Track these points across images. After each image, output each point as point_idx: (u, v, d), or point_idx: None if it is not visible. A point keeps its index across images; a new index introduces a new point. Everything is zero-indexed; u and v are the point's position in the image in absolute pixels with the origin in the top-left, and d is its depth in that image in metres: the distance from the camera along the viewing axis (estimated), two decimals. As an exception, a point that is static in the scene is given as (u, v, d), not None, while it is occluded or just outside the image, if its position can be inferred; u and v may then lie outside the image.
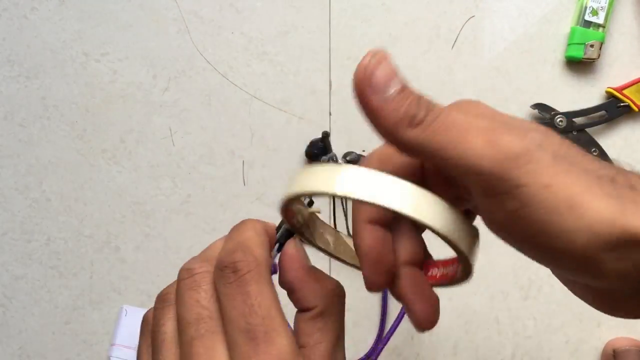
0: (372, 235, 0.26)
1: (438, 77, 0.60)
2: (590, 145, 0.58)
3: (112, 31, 0.59)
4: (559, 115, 0.58)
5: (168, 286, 0.27)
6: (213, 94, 0.59)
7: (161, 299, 0.26)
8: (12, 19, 0.59)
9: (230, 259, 0.24)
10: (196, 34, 0.59)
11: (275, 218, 0.29)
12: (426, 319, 0.27)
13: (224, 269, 0.24)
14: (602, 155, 0.58)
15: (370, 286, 0.27)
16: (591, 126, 0.59)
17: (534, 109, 0.59)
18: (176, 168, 0.58)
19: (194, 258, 0.27)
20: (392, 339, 0.58)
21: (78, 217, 0.59)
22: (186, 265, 0.26)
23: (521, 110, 0.59)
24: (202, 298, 0.24)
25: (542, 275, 0.59)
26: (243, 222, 0.27)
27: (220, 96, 0.59)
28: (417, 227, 0.28)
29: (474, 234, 0.25)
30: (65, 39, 0.59)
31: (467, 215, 0.25)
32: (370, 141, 0.59)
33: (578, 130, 0.58)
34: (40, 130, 0.59)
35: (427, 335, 0.59)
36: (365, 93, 0.23)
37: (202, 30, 0.59)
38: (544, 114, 0.58)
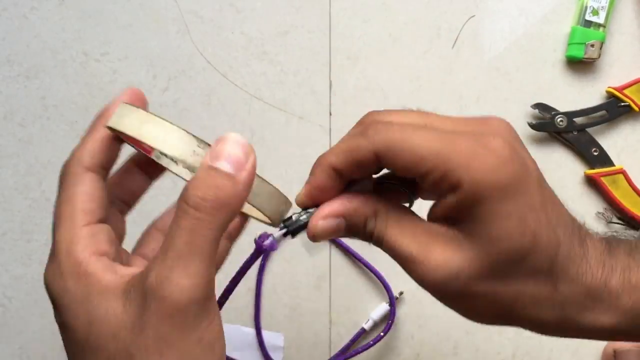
0: (329, 179, 0.30)
1: (438, 77, 0.59)
2: (591, 145, 0.58)
3: (112, 31, 0.59)
4: (559, 115, 0.58)
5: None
6: (213, 94, 0.59)
7: None
8: (12, 18, 0.59)
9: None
10: (196, 34, 0.59)
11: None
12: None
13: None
14: (603, 155, 0.58)
15: (300, 200, 0.32)
16: (592, 126, 0.59)
17: (534, 108, 0.59)
18: (176, 168, 0.58)
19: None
20: (391, 338, 0.58)
21: (78, 217, 0.59)
22: None
23: (521, 110, 0.59)
24: None
25: (542, 275, 0.59)
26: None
27: (220, 96, 0.59)
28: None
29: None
30: (65, 39, 0.59)
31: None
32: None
33: (578, 130, 0.58)
34: (40, 130, 0.59)
35: (427, 335, 0.59)
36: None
37: (202, 30, 0.59)
38: (544, 114, 0.58)
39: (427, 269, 0.29)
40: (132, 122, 0.28)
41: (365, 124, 0.30)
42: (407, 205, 0.33)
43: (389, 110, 0.31)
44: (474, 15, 0.59)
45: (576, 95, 0.60)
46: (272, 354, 0.58)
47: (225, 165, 0.28)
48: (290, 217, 0.31)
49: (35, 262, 0.58)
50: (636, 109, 0.58)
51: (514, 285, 0.29)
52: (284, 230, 0.31)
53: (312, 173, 0.31)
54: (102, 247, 0.29)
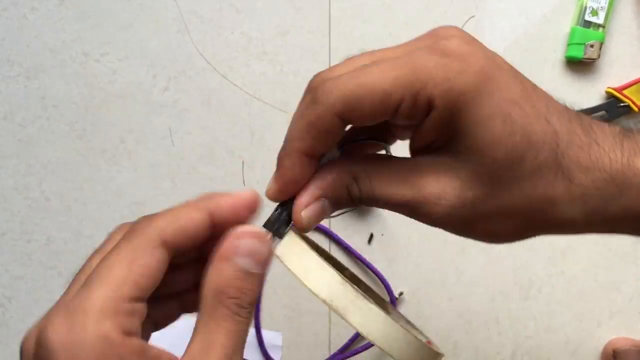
0: (299, 167, 0.28)
1: (438, 77, 0.59)
2: (590, 145, 0.58)
3: (112, 31, 0.59)
4: (559, 115, 0.58)
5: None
6: (213, 94, 0.59)
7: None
8: (12, 18, 0.59)
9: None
10: (196, 34, 0.59)
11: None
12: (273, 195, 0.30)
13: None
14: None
15: (274, 196, 0.30)
16: (591, 126, 0.59)
17: (534, 109, 0.59)
18: (176, 168, 0.58)
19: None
20: (392, 339, 0.59)
21: (78, 217, 0.59)
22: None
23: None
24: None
25: (542, 275, 0.59)
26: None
27: (220, 96, 0.59)
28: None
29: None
30: (65, 39, 0.59)
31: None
32: (370, 141, 0.59)
33: (578, 130, 0.58)
34: (40, 130, 0.59)
35: (427, 335, 0.59)
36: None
37: (202, 30, 0.59)
38: (544, 114, 0.58)
39: (430, 208, 0.27)
40: (299, 263, 0.28)
41: (313, 88, 0.28)
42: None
43: (332, 66, 0.29)
44: (473, 16, 0.59)
45: (576, 96, 0.60)
46: (271, 353, 0.58)
47: None
48: (269, 218, 0.29)
49: (35, 263, 0.58)
50: (635, 109, 0.58)
51: (523, 190, 0.27)
52: (269, 235, 0.29)
53: (280, 166, 0.29)
54: (134, 327, 0.25)
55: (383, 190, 0.28)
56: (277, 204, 0.30)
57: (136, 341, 0.24)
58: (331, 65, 0.59)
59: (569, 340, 0.59)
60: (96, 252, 0.28)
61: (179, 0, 0.59)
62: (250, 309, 0.26)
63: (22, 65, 0.59)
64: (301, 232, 0.29)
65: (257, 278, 0.26)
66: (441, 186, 0.27)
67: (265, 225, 0.29)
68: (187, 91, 0.59)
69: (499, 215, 0.27)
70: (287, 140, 0.28)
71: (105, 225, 0.57)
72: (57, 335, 0.23)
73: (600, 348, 0.59)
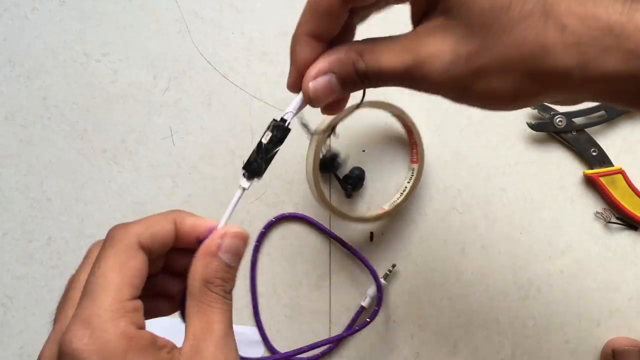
0: (308, 48, 0.31)
1: (438, 78, 0.60)
2: (590, 146, 0.59)
3: (113, 31, 0.59)
4: (558, 115, 0.58)
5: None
6: (213, 94, 0.59)
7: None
8: (13, 19, 0.59)
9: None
10: (196, 34, 0.59)
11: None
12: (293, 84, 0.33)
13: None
14: (602, 155, 0.58)
15: (291, 86, 0.33)
16: (591, 126, 0.59)
17: (533, 108, 0.59)
18: (176, 168, 0.59)
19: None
20: (391, 338, 0.59)
21: (79, 217, 0.59)
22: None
23: (521, 110, 0.59)
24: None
25: (542, 275, 0.59)
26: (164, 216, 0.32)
27: (221, 96, 0.59)
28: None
29: None
30: (66, 39, 0.59)
31: None
32: (370, 140, 0.59)
33: (577, 131, 0.58)
34: (41, 130, 0.59)
35: (427, 335, 0.59)
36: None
37: (203, 30, 0.59)
38: (544, 114, 0.58)
39: (428, 68, 0.29)
40: None
41: None
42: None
43: None
44: None
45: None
46: (252, 349, 0.58)
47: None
48: (248, 159, 0.33)
49: (36, 262, 0.59)
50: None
51: (514, 39, 0.27)
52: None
53: (292, 53, 0.31)
54: (141, 321, 0.28)
55: (386, 61, 0.30)
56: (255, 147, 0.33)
57: (147, 333, 0.27)
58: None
59: (569, 339, 0.59)
60: (80, 268, 0.31)
61: (180, 1, 0.59)
62: (231, 295, 0.30)
63: (23, 65, 0.59)
64: (312, 104, 0.32)
65: (235, 270, 0.31)
66: (437, 45, 0.29)
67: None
68: (188, 91, 0.59)
69: (495, 69, 0.28)
70: (296, 27, 0.31)
71: (106, 224, 0.57)
72: (82, 342, 0.26)
73: (600, 347, 0.59)
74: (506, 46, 0.28)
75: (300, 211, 0.58)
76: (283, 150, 0.59)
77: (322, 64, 0.31)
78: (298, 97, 0.32)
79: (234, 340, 0.30)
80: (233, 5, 0.59)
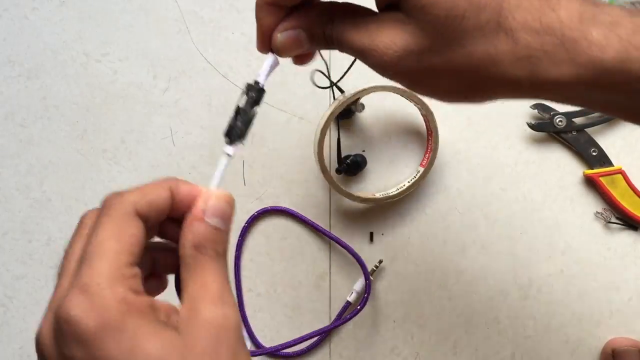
0: (271, 15, 0.33)
1: (438, 78, 0.60)
2: (590, 146, 0.59)
3: (113, 31, 0.59)
4: (558, 115, 0.58)
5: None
6: (213, 94, 0.59)
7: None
8: (13, 19, 0.59)
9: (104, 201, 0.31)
10: (196, 34, 0.59)
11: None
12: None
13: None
14: (602, 155, 0.59)
15: (260, 47, 0.35)
16: (591, 126, 0.59)
17: (533, 108, 0.59)
18: (176, 168, 0.59)
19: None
20: (391, 338, 0.59)
21: (79, 217, 0.59)
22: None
23: (521, 110, 0.59)
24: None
25: (542, 275, 0.59)
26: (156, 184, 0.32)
27: (221, 96, 0.59)
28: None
29: None
30: (66, 39, 0.59)
31: None
32: (371, 140, 0.59)
33: (577, 130, 0.58)
34: (41, 130, 0.59)
35: (427, 335, 0.59)
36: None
37: (203, 30, 0.59)
38: (544, 114, 0.58)
39: (379, 53, 0.31)
40: None
41: None
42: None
43: None
44: None
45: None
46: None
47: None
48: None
49: (36, 262, 0.59)
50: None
51: (465, 48, 0.29)
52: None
53: (256, 19, 0.33)
54: (139, 287, 0.28)
55: (349, 36, 0.32)
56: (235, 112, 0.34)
57: (145, 297, 0.27)
58: (330, 65, 0.59)
59: (569, 339, 0.59)
60: (74, 239, 0.31)
61: (180, 1, 0.59)
62: (225, 256, 0.30)
63: (23, 65, 0.59)
64: (278, 53, 0.34)
65: (224, 233, 0.31)
66: (391, 37, 0.30)
67: (226, 134, 0.34)
68: (188, 91, 0.59)
69: (444, 71, 0.30)
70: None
71: (106, 225, 0.57)
72: (80, 308, 0.25)
73: (600, 347, 0.59)
74: (456, 54, 0.29)
75: (301, 211, 0.58)
76: (283, 150, 0.59)
77: (291, 20, 0.33)
78: (269, 59, 0.35)
79: (232, 295, 0.29)
80: (233, 5, 0.59)
